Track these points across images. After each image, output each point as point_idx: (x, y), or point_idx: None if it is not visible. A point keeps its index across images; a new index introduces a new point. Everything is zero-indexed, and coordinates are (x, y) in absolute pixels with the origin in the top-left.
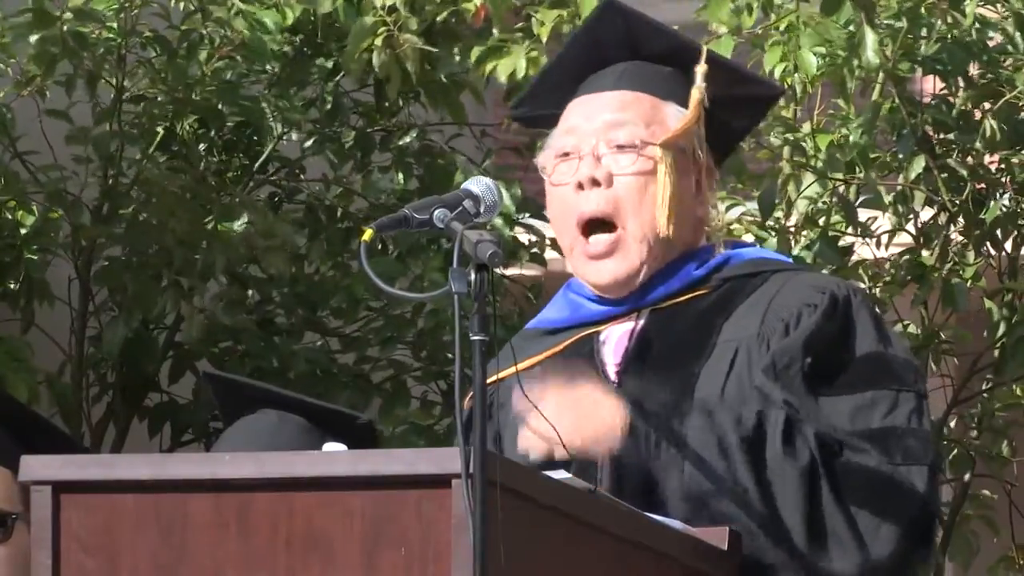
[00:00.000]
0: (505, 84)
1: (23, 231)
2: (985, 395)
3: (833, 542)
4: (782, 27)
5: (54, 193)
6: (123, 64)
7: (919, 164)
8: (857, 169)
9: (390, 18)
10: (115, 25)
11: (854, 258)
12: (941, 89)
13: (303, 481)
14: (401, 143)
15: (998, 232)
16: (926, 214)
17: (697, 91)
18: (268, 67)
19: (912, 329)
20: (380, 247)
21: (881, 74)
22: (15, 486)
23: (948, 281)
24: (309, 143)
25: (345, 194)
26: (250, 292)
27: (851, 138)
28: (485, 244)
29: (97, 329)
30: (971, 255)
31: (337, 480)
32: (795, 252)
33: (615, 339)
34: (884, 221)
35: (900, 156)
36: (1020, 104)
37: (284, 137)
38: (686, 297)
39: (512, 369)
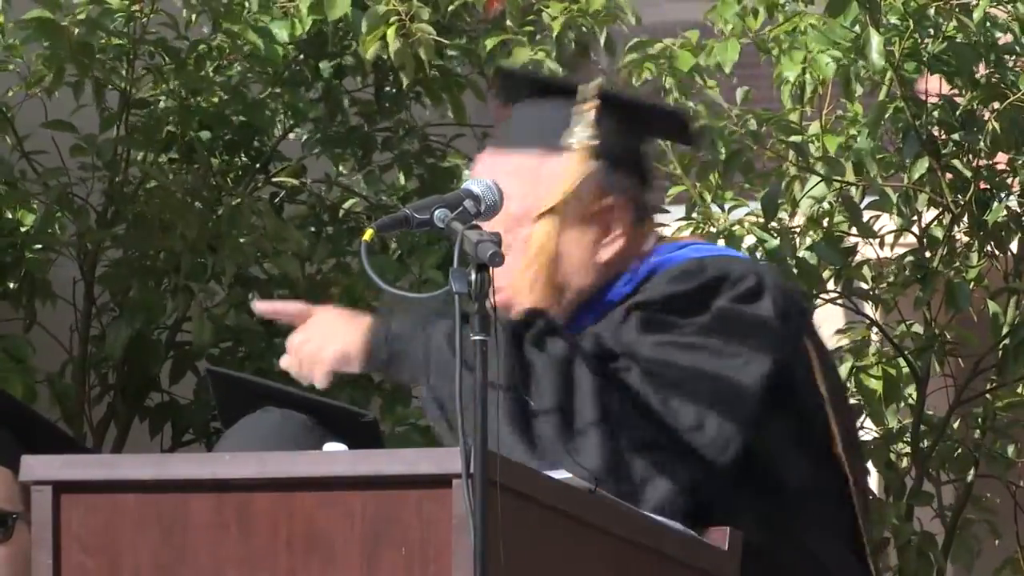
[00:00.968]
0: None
1: (23, 228)
2: (988, 396)
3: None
4: (788, 30)
5: (61, 197)
6: (132, 71)
7: (923, 165)
8: (865, 170)
9: (403, 7)
10: (124, 30)
11: (857, 258)
12: (950, 90)
13: (304, 481)
14: (405, 147)
15: (1002, 233)
16: (930, 215)
17: (578, 147)
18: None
19: (916, 329)
20: (381, 247)
21: (888, 74)
22: (16, 486)
23: (952, 282)
24: (305, 137)
25: (346, 193)
26: (251, 293)
27: (859, 139)
28: (485, 244)
29: (99, 329)
30: (975, 256)
31: (338, 480)
32: (800, 253)
33: None
34: (888, 222)
35: (906, 157)
36: None
37: (290, 133)
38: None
39: None
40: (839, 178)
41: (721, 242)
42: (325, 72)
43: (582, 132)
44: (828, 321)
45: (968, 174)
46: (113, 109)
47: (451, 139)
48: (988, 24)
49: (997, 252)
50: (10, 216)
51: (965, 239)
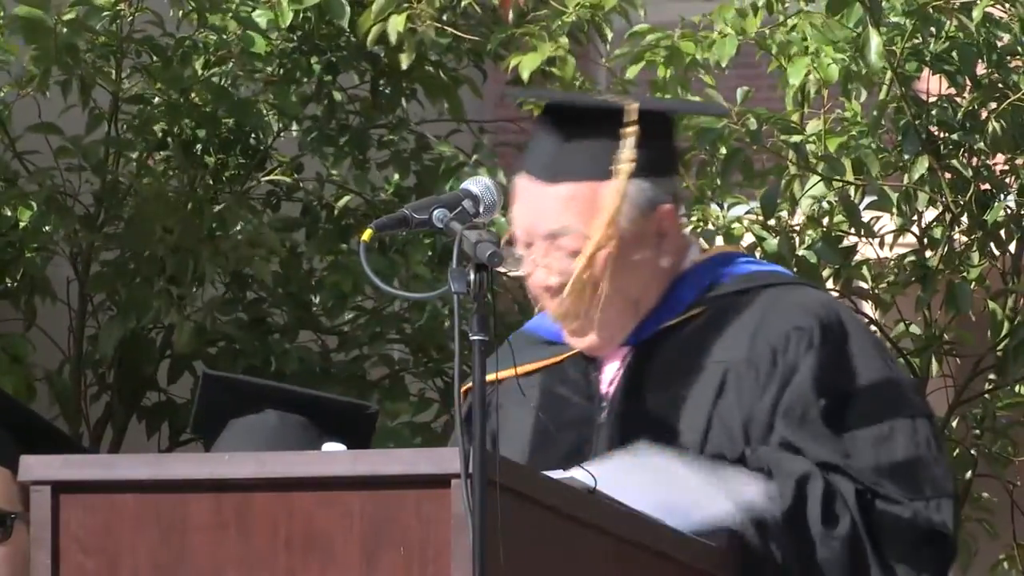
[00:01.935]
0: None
1: (21, 225)
2: (987, 396)
3: None
4: (788, 29)
5: (50, 198)
6: (119, 69)
7: (923, 165)
8: (865, 170)
9: None
10: (111, 28)
11: (857, 258)
12: (948, 88)
13: (303, 481)
14: (402, 148)
15: (1002, 233)
16: (930, 215)
17: (626, 169)
18: (265, 68)
19: (915, 329)
20: (378, 246)
21: (888, 74)
22: (14, 486)
23: (951, 282)
24: (299, 134)
25: (341, 191)
26: (244, 292)
27: (859, 139)
28: (484, 244)
29: (95, 329)
30: (975, 256)
31: (337, 480)
32: (799, 252)
33: (608, 360)
34: (888, 222)
35: (905, 156)
36: None
37: (283, 134)
38: (678, 319)
39: (511, 371)
40: (839, 178)
41: (720, 240)
42: (317, 69)
43: (628, 154)
44: None
45: (968, 174)
46: (102, 109)
47: (448, 135)
48: (988, 24)
49: (997, 252)
50: (8, 214)
51: (965, 239)
